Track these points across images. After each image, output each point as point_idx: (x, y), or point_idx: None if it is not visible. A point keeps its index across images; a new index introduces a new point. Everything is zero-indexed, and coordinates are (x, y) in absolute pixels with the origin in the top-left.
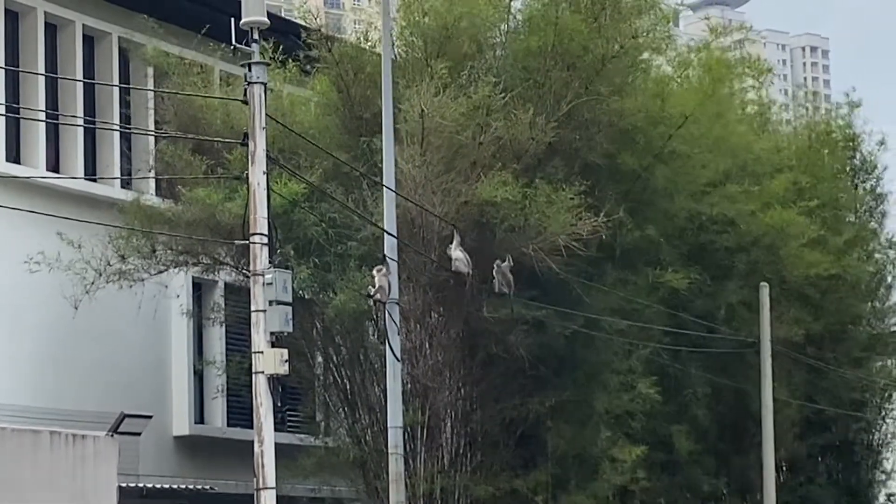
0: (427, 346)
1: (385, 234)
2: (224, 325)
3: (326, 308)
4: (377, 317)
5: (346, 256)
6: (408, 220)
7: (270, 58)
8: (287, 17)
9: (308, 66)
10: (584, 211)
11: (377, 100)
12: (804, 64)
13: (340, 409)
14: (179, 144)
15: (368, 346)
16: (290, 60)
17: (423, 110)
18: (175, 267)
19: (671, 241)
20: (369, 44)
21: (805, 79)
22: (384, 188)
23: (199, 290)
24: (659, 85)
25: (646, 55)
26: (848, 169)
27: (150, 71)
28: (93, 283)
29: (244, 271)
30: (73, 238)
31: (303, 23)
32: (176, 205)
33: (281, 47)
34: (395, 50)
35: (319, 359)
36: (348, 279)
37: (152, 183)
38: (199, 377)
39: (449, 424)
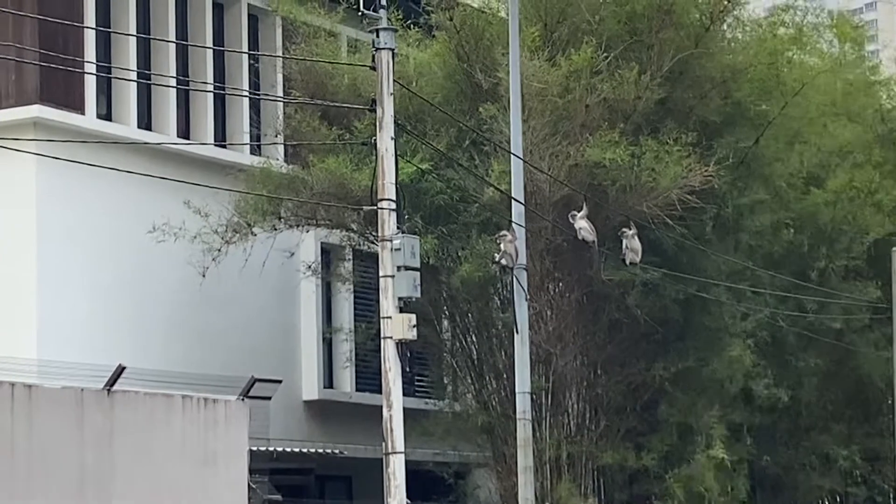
0: (548, 312)
1: (512, 200)
2: (352, 290)
3: (451, 276)
4: (502, 284)
5: (469, 224)
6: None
7: (395, 23)
8: None
9: (430, 31)
10: (694, 163)
11: (495, 66)
12: None
13: (467, 375)
14: (307, 112)
15: (494, 312)
16: (412, 25)
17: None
18: (298, 227)
19: (783, 204)
20: (488, 10)
21: None
22: (511, 155)
23: (328, 255)
24: (775, 43)
25: (758, 13)
26: None
27: (279, 37)
28: (219, 250)
29: (372, 239)
30: (200, 206)
31: None
32: (303, 172)
33: (402, 11)
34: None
35: (446, 325)
36: (471, 247)
37: (281, 149)
38: (327, 342)
39: (574, 390)
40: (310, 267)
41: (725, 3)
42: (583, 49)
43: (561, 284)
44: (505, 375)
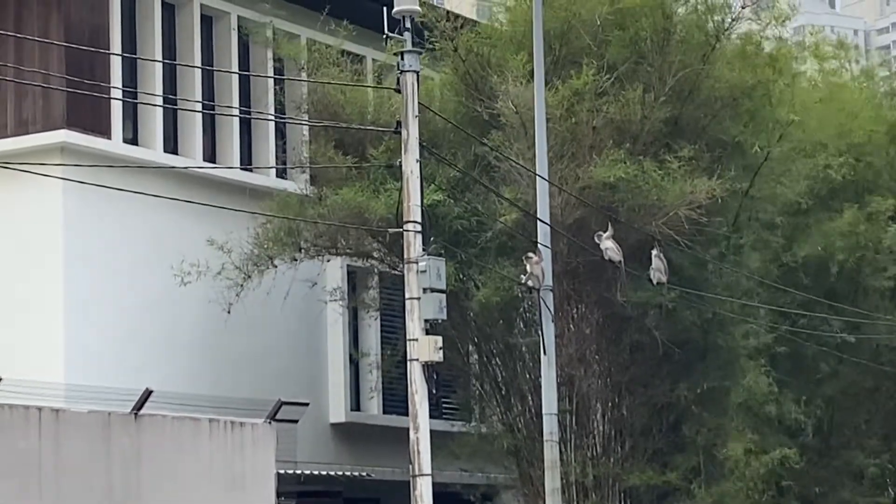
0: (568, 334)
1: (538, 221)
2: (379, 312)
3: (471, 301)
4: (525, 306)
5: (486, 249)
6: (531, 212)
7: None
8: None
9: (436, 57)
10: (697, 177)
11: (497, 96)
12: None
13: (492, 398)
14: (321, 141)
15: (515, 336)
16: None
17: (515, 105)
18: (319, 257)
19: (793, 223)
20: (492, 35)
21: None
22: (537, 177)
23: (354, 278)
24: (779, 61)
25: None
26: None
27: (304, 63)
28: (241, 285)
29: (394, 268)
30: (222, 242)
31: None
32: (319, 204)
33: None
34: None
35: (471, 348)
36: (488, 272)
37: (306, 177)
38: (354, 365)
39: (599, 412)
40: (331, 295)
41: (730, 20)
42: (584, 72)
43: (581, 307)
44: (529, 398)
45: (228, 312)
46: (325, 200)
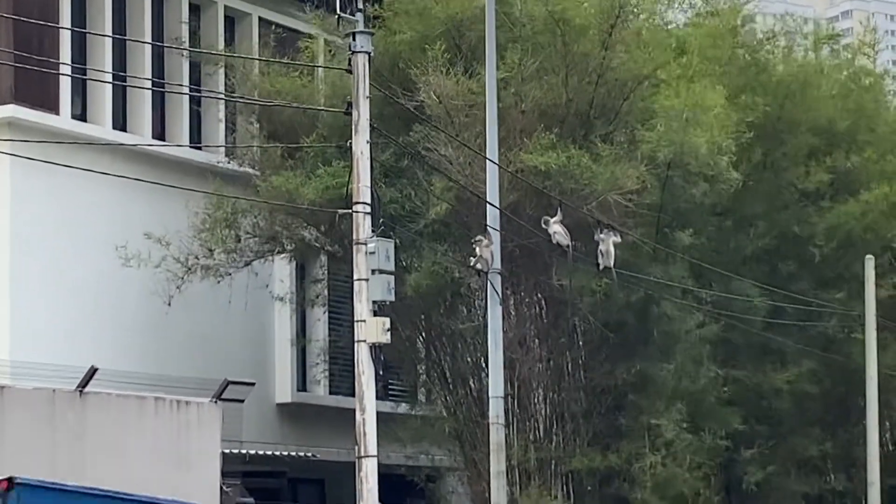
0: (509, 318)
1: (488, 205)
2: (327, 294)
3: (403, 286)
4: (466, 290)
5: (422, 234)
6: (464, 198)
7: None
8: None
9: None
10: (625, 162)
11: (414, 88)
12: None
13: (436, 381)
14: (256, 132)
15: (459, 319)
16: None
17: (438, 95)
18: (260, 258)
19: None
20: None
21: None
22: (487, 160)
23: (302, 262)
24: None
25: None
26: None
27: (256, 38)
28: (182, 279)
29: (333, 251)
30: (175, 210)
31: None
32: (256, 191)
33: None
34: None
35: (414, 332)
36: (425, 257)
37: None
38: (301, 346)
39: (541, 395)
40: (280, 297)
41: (616, 15)
42: (508, 56)
43: (521, 291)
44: (471, 381)
45: (169, 304)
46: (258, 189)
